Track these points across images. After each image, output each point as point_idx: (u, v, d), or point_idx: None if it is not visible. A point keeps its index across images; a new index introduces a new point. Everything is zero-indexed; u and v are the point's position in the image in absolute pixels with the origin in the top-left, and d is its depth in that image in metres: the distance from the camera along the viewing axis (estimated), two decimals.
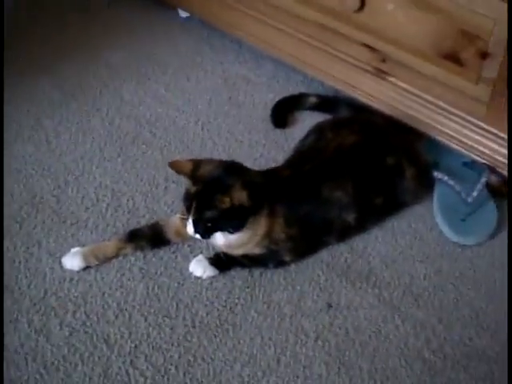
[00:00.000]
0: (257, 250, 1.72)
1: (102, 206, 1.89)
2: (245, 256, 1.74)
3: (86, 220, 1.86)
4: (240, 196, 1.58)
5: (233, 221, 1.61)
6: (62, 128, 2.09)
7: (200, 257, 1.76)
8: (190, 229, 1.62)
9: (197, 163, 1.64)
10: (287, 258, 1.76)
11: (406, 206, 1.89)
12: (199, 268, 1.75)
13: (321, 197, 1.74)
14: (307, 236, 1.76)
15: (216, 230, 1.63)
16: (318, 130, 1.95)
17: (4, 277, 1.71)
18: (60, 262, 1.75)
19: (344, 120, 2.01)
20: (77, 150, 2.03)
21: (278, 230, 1.70)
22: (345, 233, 1.81)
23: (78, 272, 1.74)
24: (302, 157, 1.87)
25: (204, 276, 1.74)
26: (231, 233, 1.64)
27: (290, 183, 1.75)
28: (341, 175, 1.77)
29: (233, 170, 1.65)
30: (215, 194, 1.57)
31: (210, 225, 1.60)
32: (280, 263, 1.76)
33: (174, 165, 1.66)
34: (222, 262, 1.76)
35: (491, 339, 1.65)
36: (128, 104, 2.17)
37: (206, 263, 1.75)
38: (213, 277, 1.75)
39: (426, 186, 1.90)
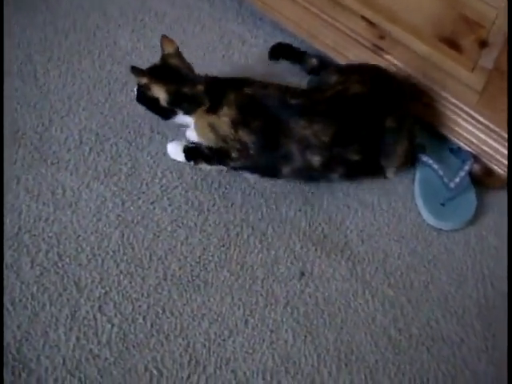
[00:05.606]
0: (212, 143, 1.80)
1: (84, 149, 1.87)
2: (209, 148, 1.82)
3: (68, 161, 1.84)
4: (154, 89, 1.79)
5: (148, 104, 1.83)
6: (51, 66, 2.06)
7: (177, 141, 1.89)
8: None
9: (176, 53, 1.86)
10: (234, 155, 1.79)
11: (379, 174, 1.87)
12: (173, 150, 1.89)
13: (282, 124, 1.74)
14: (260, 152, 1.77)
15: (142, 103, 1.85)
16: (327, 73, 1.95)
17: None
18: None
19: (356, 66, 1.94)
20: (65, 89, 2.00)
21: (224, 127, 1.76)
22: (304, 172, 1.80)
23: (53, 212, 1.73)
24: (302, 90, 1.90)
25: (177, 158, 1.88)
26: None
27: (251, 96, 1.78)
28: (324, 117, 1.74)
29: (186, 74, 1.83)
30: (151, 72, 1.82)
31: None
32: (228, 160, 1.81)
33: (165, 38, 1.88)
34: (190, 151, 1.86)
35: (457, 324, 1.67)
36: (121, 50, 2.14)
37: (180, 149, 1.87)
38: (189, 232, 1.74)
39: (408, 163, 1.89)
